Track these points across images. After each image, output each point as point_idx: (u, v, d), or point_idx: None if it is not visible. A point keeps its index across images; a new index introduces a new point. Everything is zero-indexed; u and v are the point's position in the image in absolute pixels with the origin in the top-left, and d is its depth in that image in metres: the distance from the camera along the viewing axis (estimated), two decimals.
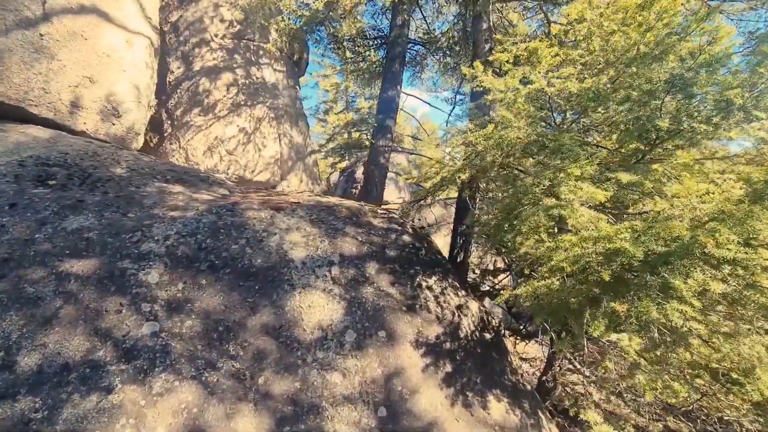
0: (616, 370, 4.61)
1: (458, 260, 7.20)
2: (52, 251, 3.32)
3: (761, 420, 4.19)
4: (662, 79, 3.58)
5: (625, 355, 4.65)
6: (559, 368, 5.96)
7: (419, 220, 13.33)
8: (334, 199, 5.18)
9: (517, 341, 8.85)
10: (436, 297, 4.15)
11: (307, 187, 8.35)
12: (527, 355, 8.84)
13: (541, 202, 3.54)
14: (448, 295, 4.28)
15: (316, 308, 3.60)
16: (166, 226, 3.71)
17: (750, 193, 3.08)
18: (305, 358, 3.32)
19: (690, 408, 5.60)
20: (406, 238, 4.57)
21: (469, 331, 4.14)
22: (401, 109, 17.70)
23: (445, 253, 6.76)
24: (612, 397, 5.66)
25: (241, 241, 3.78)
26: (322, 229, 4.18)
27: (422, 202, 6.58)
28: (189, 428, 2.77)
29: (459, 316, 4.16)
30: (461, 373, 3.76)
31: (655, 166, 3.59)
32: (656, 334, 3.92)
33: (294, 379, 3.20)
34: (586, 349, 5.54)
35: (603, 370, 4.81)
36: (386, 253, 4.22)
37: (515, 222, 3.92)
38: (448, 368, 3.70)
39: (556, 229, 4.07)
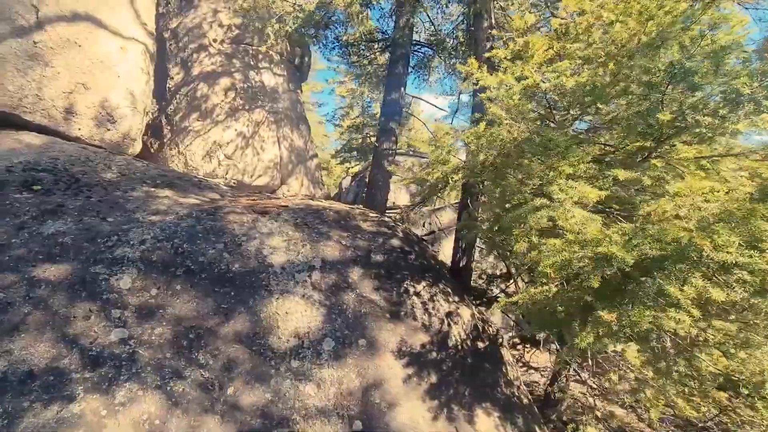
0: (621, 382, 4.30)
1: (461, 265, 6.97)
2: (27, 256, 3.28)
3: None
4: (661, 68, 3.32)
5: (631, 367, 4.34)
6: (566, 379, 5.66)
7: (430, 224, 13.09)
8: (325, 203, 5.06)
9: (527, 350, 8.51)
10: (423, 303, 3.95)
11: (309, 191, 8.27)
12: (537, 364, 8.50)
13: (529, 203, 3.32)
14: (438, 301, 4.07)
15: (294, 315, 3.46)
16: (144, 231, 3.64)
17: (759, 190, 2.80)
18: (279, 368, 3.18)
19: (707, 423, 5.22)
20: (394, 242, 4.40)
21: (459, 340, 3.92)
22: (414, 116, 17.53)
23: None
24: (621, 410, 5.31)
25: (219, 245, 3.68)
26: (305, 233, 4.05)
27: (422, 205, 6.40)
28: None
29: (448, 324, 3.95)
30: (447, 384, 3.54)
31: (654, 162, 3.32)
32: (666, 344, 3.63)
33: (265, 389, 3.05)
34: (590, 360, 5.23)
35: (608, 382, 4.51)
36: (372, 258, 4.05)
37: (506, 224, 3.71)
38: (433, 379, 3.50)
39: (559, 231, 3.82)
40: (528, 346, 8.38)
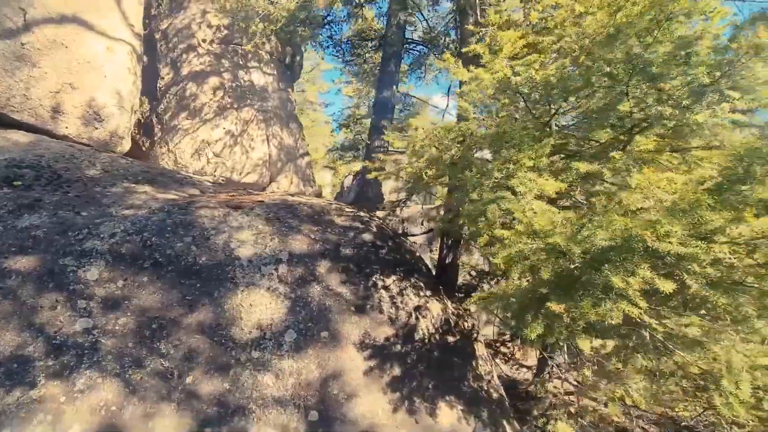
0: (594, 377, 4.26)
1: (447, 262, 6.97)
2: (0, 249, 3.40)
3: None
4: (621, 60, 3.30)
5: (605, 362, 4.31)
6: (548, 376, 5.63)
7: (428, 222, 13.06)
8: (303, 199, 5.11)
9: (517, 347, 8.46)
10: (392, 297, 3.97)
11: (299, 189, 8.36)
12: (529, 362, 8.43)
13: (488, 196, 3.33)
14: (407, 295, 4.09)
15: (258, 307, 3.52)
16: (115, 224, 3.74)
17: (716, 182, 2.77)
18: (239, 358, 3.24)
19: (692, 422, 5.16)
20: (366, 236, 4.43)
21: (426, 334, 3.93)
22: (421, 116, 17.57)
23: None
24: (602, 407, 5.27)
25: (188, 238, 3.76)
26: (275, 227, 4.10)
27: (407, 202, 6.42)
28: (105, 427, 2.73)
29: (416, 317, 3.97)
30: (411, 377, 3.56)
31: (614, 154, 3.30)
32: (640, 338, 3.60)
33: (224, 379, 3.11)
34: (566, 355, 5.19)
35: (581, 377, 4.48)
36: (341, 252, 4.09)
37: (468, 218, 3.71)
38: (396, 372, 3.52)
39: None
40: (519, 343, 8.32)
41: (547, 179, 3.50)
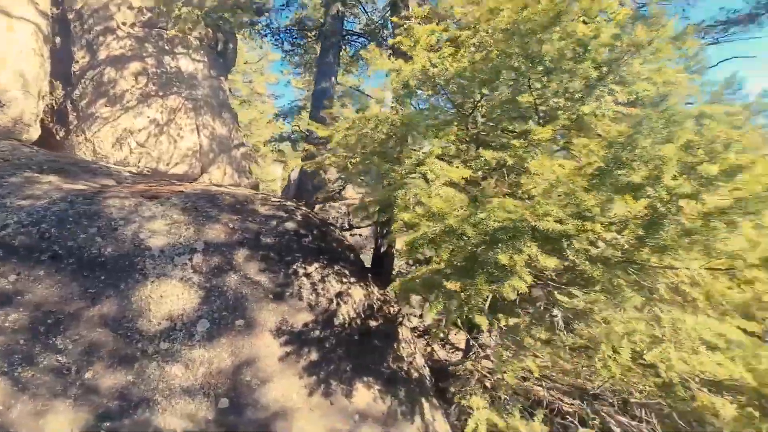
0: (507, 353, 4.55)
1: (381, 251, 7.10)
2: None
3: (669, 401, 4.13)
4: (520, 53, 3.51)
5: (518, 338, 4.59)
6: (474, 356, 5.92)
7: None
8: (227, 189, 5.01)
9: (452, 330, 8.80)
10: (313, 284, 4.01)
11: (233, 180, 8.15)
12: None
13: (397, 182, 3.45)
14: (329, 282, 4.14)
15: (169, 298, 3.43)
16: (7, 215, 3.48)
17: (598, 167, 3.02)
18: (146, 350, 3.14)
19: (599, 391, 5.58)
20: (289, 225, 4.43)
21: (347, 319, 4.01)
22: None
23: None
24: (520, 381, 5.60)
25: (92, 230, 3.58)
26: (191, 217, 4.00)
27: (335, 194, 6.49)
28: None
29: (338, 303, 4.03)
30: (329, 361, 3.62)
31: (514, 142, 3.52)
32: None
33: (128, 372, 3.02)
34: (490, 334, 5.49)
35: (497, 354, 4.76)
36: (261, 241, 4.07)
37: (382, 203, 3.83)
38: (313, 357, 3.57)
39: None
40: (444, 326, 8.67)
41: (457, 167, 3.69)
